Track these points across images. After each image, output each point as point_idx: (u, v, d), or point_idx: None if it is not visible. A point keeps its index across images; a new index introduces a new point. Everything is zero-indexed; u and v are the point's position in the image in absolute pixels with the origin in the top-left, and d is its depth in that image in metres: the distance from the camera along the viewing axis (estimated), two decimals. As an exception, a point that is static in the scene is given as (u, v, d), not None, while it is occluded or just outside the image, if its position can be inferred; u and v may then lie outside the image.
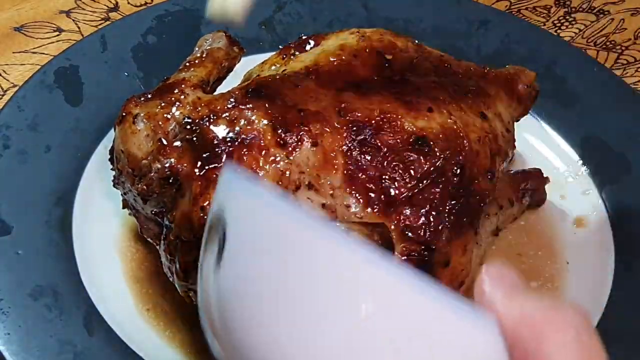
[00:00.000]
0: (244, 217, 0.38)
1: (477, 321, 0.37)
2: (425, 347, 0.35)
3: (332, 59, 0.69)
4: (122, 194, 0.68)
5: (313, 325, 0.36)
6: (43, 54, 0.92)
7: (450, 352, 0.36)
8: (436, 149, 0.65)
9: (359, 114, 0.66)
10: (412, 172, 0.65)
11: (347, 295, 0.36)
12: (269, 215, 0.37)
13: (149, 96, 0.66)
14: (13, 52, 0.93)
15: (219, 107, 0.65)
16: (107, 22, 0.97)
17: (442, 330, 0.36)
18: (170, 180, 0.62)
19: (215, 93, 0.71)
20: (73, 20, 0.98)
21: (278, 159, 0.63)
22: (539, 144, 0.89)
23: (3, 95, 0.87)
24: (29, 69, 0.90)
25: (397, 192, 0.64)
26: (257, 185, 0.40)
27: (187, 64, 0.71)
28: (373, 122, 0.66)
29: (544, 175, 0.83)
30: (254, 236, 0.37)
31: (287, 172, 0.63)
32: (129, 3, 1.01)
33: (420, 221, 0.64)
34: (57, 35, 0.96)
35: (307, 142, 0.64)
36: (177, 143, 0.62)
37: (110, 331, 0.65)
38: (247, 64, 0.77)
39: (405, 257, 0.64)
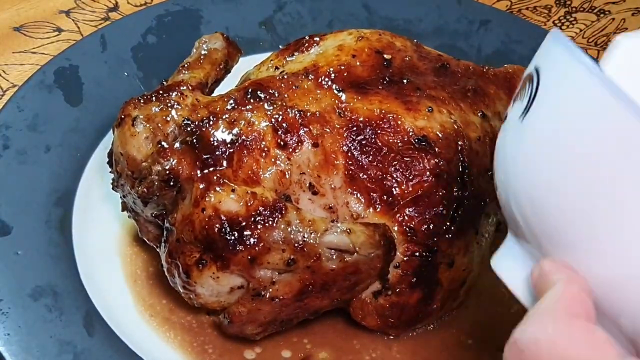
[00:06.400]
0: (557, 77, 0.43)
1: None
2: None
3: (330, 60, 0.69)
4: (121, 197, 0.68)
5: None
6: (43, 54, 0.92)
7: None
8: (437, 149, 0.65)
9: (359, 114, 0.66)
10: (413, 171, 0.65)
11: None
12: (582, 79, 0.40)
13: (148, 98, 0.66)
14: (13, 52, 0.92)
15: (218, 109, 0.65)
16: (107, 22, 0.97)
17: None
18: (171, 183, 0.62)
19: (213, 94, 0.71)
20: (73, 20, 0.98)
21: (279, 160, 0.63)
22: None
23: (3, 95, 0.87)
24: (29, 69, 0.90)
25: (399, 192, 0.64)
26: (578, 53, 0.42)
27: (185, 65, 0.71)
28: (373, 122, 0.66)
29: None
30: (564, 95, 0.42)
31: (288, 173, 0.63)
32: (128, 3, 1.01)
33: (424, 222, 0.64)
34: (57, 35, 0.95)
35: (308, 143, 0.64)
36: (177, 145, 0.62)
37: (110, 331, 0.65)
38: (247, 64, 0.77)
39: (408, 258, 0.64)
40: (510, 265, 0.48)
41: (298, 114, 0.64)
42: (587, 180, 0.40)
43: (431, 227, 0.64)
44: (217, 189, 0.60)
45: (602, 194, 0.40)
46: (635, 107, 0.38)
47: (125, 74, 0.85)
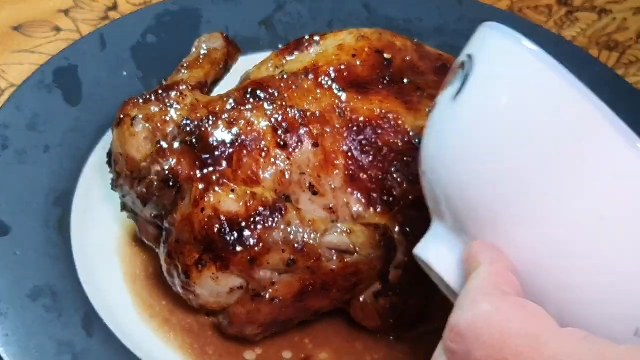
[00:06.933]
0: (493, 57, 0.44)
1: None
2: None
3: (331, 59, 0.69)
4: (120, 197, 0.68)
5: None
6: (42, 53, 0.92)
7: None
8: (437, 150, 0.65)
9: (359, 114, 0.66)
10: (414, 172, 0.65)
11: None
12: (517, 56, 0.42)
13: (147, 98, 0.66)
14: (12, 52, 0.92)
15: (218, 109, 0.65)
16: (106, 22, 0.96)
17: None
18: (170, 183, 0.61)
19: (213, 94, 0.71)
20: (72, 19, 0.97)
21: (278, 160, 0.63)
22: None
23: (2, 94, 0.87)
24: (28, 68, 0.89)
25: (399, 192, 0.64)
26: (514, 36, 0.44)
27: (185, 65, 0.71)
28: (373, 122, 0.65)
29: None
30: (498, 74, 0.44)
31: (288, 173, 0.63)
32: (128, 2, 1.01)
33: (424, 223, 0.64)
34: (56, 34, 0.95)
35: (308, 143, 0.64)
36: (177, 145, 0.62)
37: (109, 332, 0.65)
38: (247, 64, 0.77)
39: (408, 258, 0.64)
40: (438, 251, 0.48)
41: (298, 114, 0.64)
42: (520, 153, 0.41)
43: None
44: (217, 189, 0.60)
45: (536, 167, 0.41)
46: (565, 75, 0.41)
47: (125, 73, 0.84)
